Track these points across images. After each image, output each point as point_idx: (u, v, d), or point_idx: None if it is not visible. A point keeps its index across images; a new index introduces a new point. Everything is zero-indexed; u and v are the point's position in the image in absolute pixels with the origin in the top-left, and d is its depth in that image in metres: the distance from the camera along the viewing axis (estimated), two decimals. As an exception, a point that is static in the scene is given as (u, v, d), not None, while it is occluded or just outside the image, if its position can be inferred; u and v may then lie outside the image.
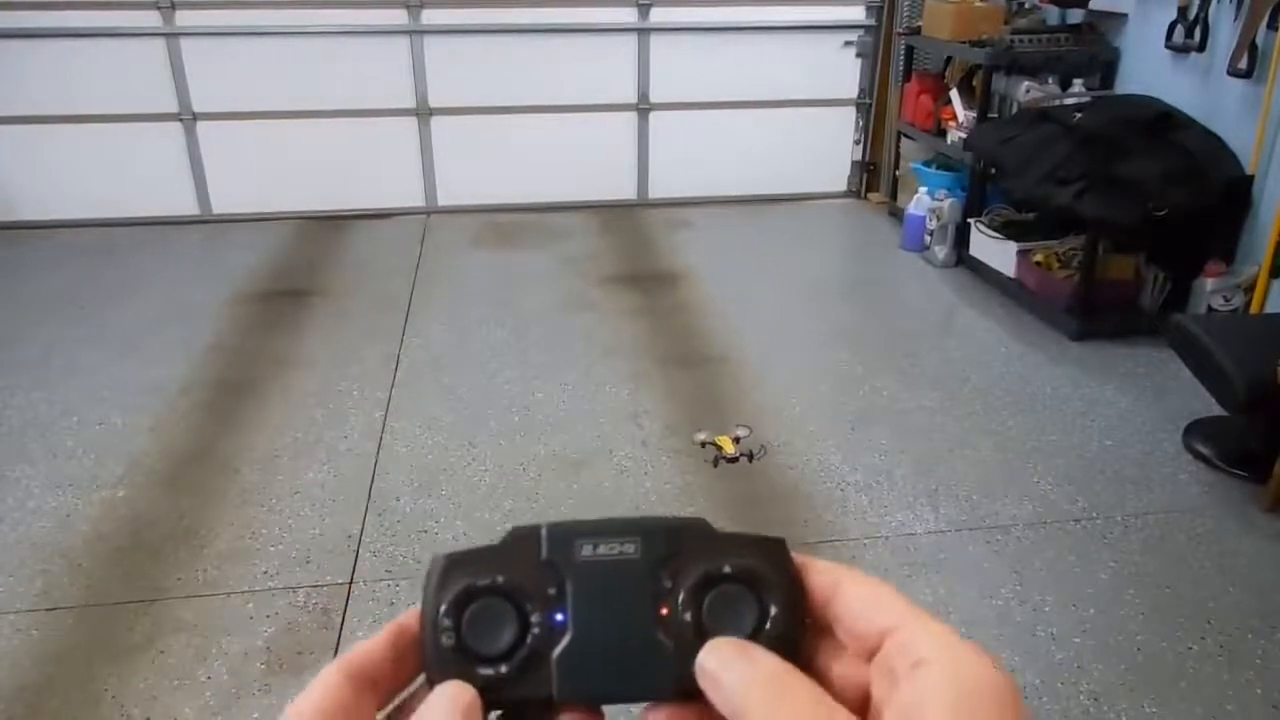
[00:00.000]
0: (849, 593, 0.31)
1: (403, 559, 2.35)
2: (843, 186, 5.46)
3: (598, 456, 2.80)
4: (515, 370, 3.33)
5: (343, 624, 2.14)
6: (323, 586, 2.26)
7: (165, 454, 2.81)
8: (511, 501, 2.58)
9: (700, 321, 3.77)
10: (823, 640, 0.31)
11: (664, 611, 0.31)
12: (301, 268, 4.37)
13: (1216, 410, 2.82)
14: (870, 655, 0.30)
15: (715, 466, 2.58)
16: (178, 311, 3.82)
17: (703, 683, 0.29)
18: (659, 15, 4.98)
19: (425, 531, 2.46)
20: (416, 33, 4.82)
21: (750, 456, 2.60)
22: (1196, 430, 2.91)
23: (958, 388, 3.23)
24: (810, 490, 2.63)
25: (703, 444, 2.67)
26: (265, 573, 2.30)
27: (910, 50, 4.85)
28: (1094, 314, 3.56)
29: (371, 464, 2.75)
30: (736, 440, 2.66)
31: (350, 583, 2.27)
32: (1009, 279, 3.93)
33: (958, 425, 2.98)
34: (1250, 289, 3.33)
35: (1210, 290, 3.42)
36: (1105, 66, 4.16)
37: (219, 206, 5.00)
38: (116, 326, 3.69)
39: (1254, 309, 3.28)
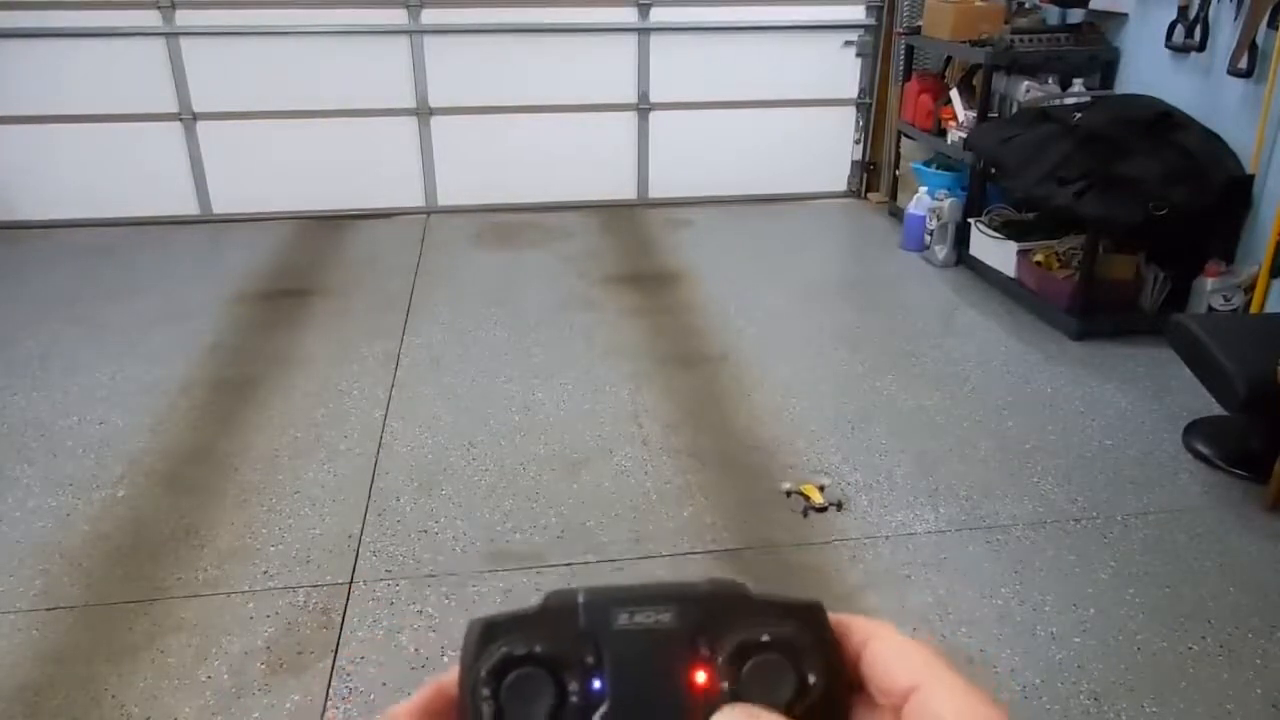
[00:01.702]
0: (876, 650, 0.32)
1: (403, 559, 2.35)
2: (843, 186, 5.46)
3: (598, 456, 2.80)
4: (515, 370, 3.33)
5: (343, 624, 2.14)
6: (323, 586, 2.26)
7: (165, 454, 2.81)
8: (511, 501, 2.58)
9: (700, 321, 3.77)
10: (857, 696, 0.32)
11: (700, 680, 0.31)
12: (302, 267, 4.37)
13: (1216, 410, 2.82)
14: (899, 711, 0.31)
15: (805, 517, 2.52)
16: (178, 311, 3.82)
17: None
18: (659, 15, 4.97)
19: (425, 531, 2.46)
20: (416, 33, 4.82)
21: (839, 506, 2.56)
22: (1196, 430, 2.91)
23: (958, 387, 3.23)
24: (810, 490, 2.63)
25: (788, 493, 2.60)
26: (265, 572, 2.30)
27: (910, 50, 4.85)
28: (1094, 314, 3.56)
29: (371, 464, 2.76)
30: (821, 489, 2.62)
31: (350, 582, 2.27)
32: (1009, 279, 3.93)
33: (958, 425, 2.99)
34: (1250, 289, 3.33)
35: (1210, 290, 3.42)
36: (1105, 66, 4.16)
37: (219, 206, 5.00)
38: (116, 326, 3.69)
39: (1254, 309, 3.28)
